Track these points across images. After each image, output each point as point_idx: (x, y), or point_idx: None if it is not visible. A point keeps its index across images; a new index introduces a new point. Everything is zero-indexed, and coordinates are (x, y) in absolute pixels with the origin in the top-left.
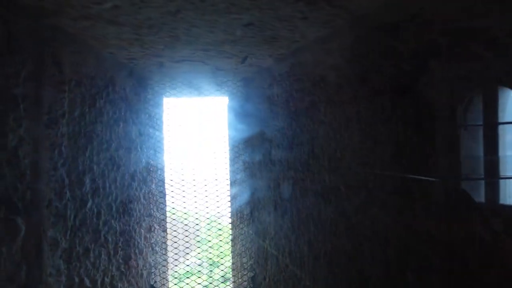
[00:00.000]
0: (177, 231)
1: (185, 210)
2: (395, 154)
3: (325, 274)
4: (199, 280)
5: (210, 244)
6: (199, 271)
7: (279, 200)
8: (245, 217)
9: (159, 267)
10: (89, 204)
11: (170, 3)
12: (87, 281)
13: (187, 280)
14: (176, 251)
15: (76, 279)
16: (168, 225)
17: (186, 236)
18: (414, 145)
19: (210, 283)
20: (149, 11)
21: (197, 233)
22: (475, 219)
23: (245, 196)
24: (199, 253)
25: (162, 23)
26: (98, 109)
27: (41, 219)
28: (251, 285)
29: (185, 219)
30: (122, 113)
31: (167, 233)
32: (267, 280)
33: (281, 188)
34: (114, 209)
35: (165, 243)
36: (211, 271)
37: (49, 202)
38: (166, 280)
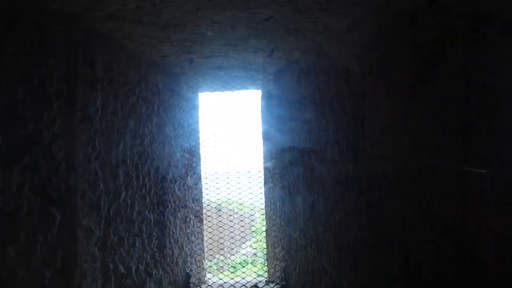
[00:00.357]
0: (212, 221)
1: (219, 201)
2: (416, 145)
3: (349, 266)
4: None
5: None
6: (235, 262)
7: (306, 191)
8: (277, 208)
9: (195, 256)
10: (122, 196)
11: (189, 1)
12: (121, 268)
13: (243, 269)
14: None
15: (111, 266)
16: (212, 215)
17: (220, 227)
18: (436, 135)
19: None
20: (170, 10)
21: (232, 223)
22: None
23: (276, 187)
24: (232, 242)
25: (186, 21)
26: (131, 105)
27: (76, 209)
28: (283, 275)
29: (219, 210)
30: (155, 108)
31: (203, 224)
32: (297, 270)
33: (308, 179)
34: (148, 200)
35: (201, 233)
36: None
37: (83, 194)
38: (202, 268)
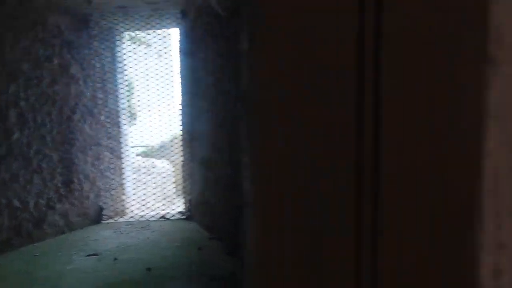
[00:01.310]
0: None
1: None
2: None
3: (227, 199)
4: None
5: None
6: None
7: (203, 127)
8: (186, 144)
9: (110, 190)
10: (15, 136)
11: None
12: (16, 203)
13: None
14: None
15: (3, 201)
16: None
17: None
18: None
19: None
20: None
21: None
22: None
23: (187, 124)
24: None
25: None
26: (23, 48)
27: None
28: (189, 206)
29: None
30: (56, 51)
31: (121, 160)
32: (194, 203)
33: (203, 114)
34: (49, 139)
35: (118, 169)
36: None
37: None
38: (118, 202)
